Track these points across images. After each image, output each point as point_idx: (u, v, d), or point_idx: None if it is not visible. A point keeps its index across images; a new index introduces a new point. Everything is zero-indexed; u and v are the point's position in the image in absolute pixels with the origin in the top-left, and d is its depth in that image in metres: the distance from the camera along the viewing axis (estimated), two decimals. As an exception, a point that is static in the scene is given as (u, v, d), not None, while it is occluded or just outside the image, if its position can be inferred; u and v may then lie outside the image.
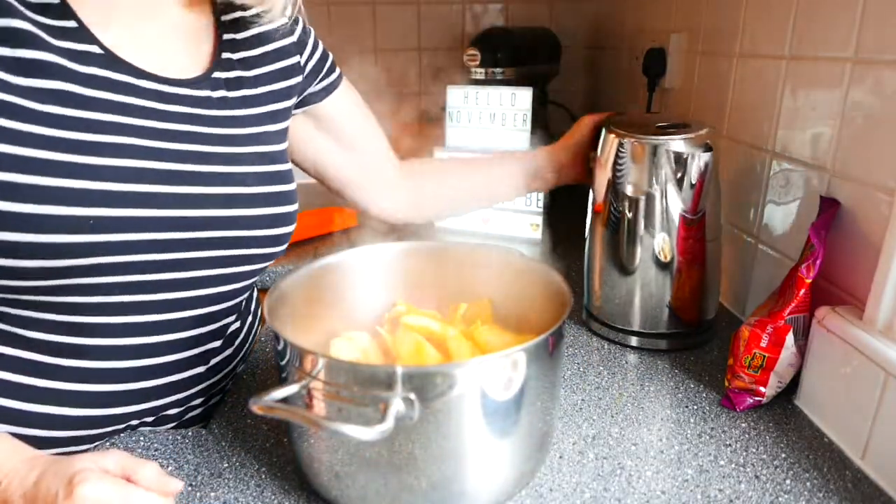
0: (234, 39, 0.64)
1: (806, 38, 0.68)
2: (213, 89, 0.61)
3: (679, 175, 0.70)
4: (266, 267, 0.68)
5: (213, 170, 0.59)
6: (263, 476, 0.56)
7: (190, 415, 0.68)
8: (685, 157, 0.69)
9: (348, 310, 0.65)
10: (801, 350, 0.63)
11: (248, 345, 0.76)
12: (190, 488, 0.55)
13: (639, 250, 0.74)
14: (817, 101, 0.66)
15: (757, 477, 0.55)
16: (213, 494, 0.54)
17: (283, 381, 0.48)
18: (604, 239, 0.77)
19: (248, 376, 0.74)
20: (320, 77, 0.72)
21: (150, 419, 0.64)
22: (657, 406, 0.66)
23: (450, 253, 0.67)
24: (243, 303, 0.72)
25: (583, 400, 0.67)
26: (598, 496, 0.53)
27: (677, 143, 0.69)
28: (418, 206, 0.88)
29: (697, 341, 0.78)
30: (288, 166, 0.67)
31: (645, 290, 0.75)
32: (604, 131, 0.76)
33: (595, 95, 1.55)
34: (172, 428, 0.66)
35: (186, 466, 0.58)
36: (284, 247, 0.68)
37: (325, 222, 1.27)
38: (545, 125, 1.51)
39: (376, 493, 0.47)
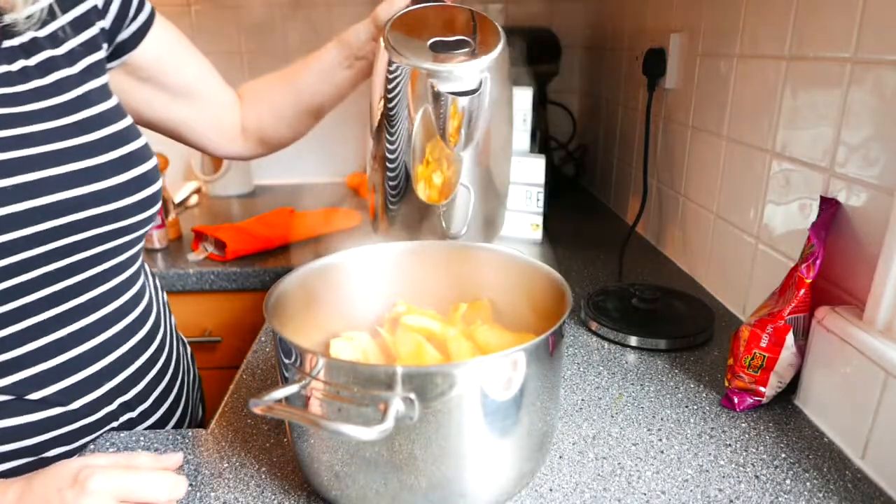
0: None
1: (806, 38, 0.68)
2: (10, 62, 0.54)
3: (439, 110, 0.59)
4: (144, 233, 0.64)
5: (41, 151, 0.53)
6: (263, 476, 0.56)
7: (152, 396, 0.67)
8: (444, 99, 0.58)
9: (348, 310, 0.64)
10: (801, 350, 0.63)
11: (163, 317, 0.73)
12: (190, 488, 0.55)
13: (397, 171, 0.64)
14: (817, 101, 0.66)
15: (757, 477, 0.55)
16: (213, 494, 0.54)
17: (283, 381, 0.48)
18: (381, 152, 0.67)
19: (248, 376, 0.74)
20: (129, 20, 0.65)
21: (112, 408, 0.62)
22: (657, 406, 0.66)
23: (450, 253, 0.67)
24: (139, 276, 0.68)
25: (583, 400, 0.67)
26: (598, 496, 0.53)
27: (446, 79, 0.57)
28: (262, 139, 0.82)
29: (697, 341, 0.78)
30: (127, 122, 0.62)
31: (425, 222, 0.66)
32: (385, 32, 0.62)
33: (595, 95, 1.56)
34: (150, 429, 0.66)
35: (186, 466, 0.58)
36: (156, 208, 0.63)
37: (325, 222, 1.27)
38: (545, 125, 1.51)
39: (376, 493, 0.47)
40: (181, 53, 0.72)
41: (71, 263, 0.57)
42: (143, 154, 0.62)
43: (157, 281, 0.76)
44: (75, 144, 0.55)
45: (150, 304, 0.69)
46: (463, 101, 0.60)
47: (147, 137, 0.65)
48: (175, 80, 0.72)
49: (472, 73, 0.59)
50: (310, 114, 0.81)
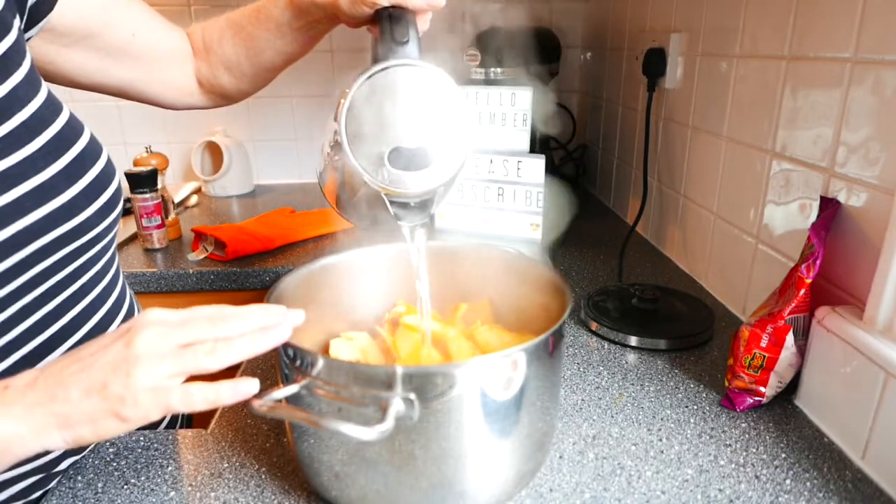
0: None
1: (806, 38, 0.68)
2: None
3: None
4: (115, 234, 0.59)
5: None
6: (263, 476, 0.56)
7: None
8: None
9: (348, 310, 0.64)
10: (801, 350, 0.63)
11: (139, 309, 0.69)
12: (190, 488, 0.55)
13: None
14: (817, 101, 0.66)
15: (757, 477, 0.55)
16: (213, 494, 0.54)
17: (283, 381, 0.48)
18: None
19: (248, 376, 0.74)
20: None
21: None
22: (657, 406, 0.66)
23: (450, 253, 0.67)
24: (117, 278, 0.64)
25: (583, 400, 0.67)
26: (598, 496, 0.53)
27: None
28: (222, 94, 0.75)
29: (697, 341, 0.78)
30: (66, 115, 0.53)
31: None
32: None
33: (595, 95, 1.55)
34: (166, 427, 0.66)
35: (186, 466, 0.58)
36: (120, 207, 0.57)
37: (325, 222, 1.27)
38: (545, 125, 1.51)
39: (376, 493, 0.47)
40: (109, 10, 0.62)
41: (45, 291, 0.52)
42: (93, 150, 0.54)
43: (132, 295, 0.71)
44: (17, 161, 0.46)
45: (130, 303, 0.67)
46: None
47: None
48: (108, 42, 0.62)
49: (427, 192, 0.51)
50: (270, 69, 0.72)
